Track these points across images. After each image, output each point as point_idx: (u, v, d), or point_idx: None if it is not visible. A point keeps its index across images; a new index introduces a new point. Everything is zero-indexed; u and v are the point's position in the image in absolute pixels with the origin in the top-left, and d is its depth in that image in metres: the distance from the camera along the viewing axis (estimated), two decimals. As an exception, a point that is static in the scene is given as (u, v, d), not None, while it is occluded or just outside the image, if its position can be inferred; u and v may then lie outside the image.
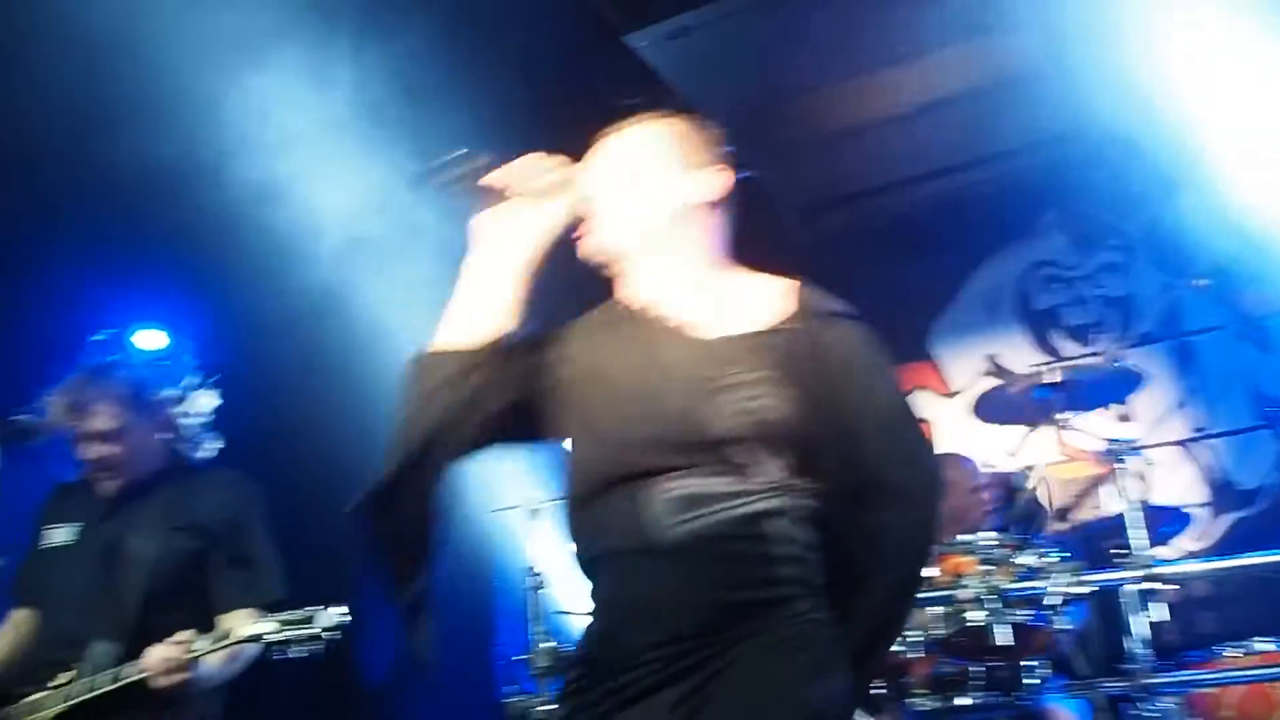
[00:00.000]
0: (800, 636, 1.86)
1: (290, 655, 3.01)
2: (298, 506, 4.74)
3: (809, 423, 1.93)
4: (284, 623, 3.00)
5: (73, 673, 3.10)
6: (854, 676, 1.90)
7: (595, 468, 1.96)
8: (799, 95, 5.22)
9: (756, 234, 6.28)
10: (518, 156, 2.07)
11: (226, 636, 2.99)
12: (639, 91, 5.46)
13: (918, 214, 5.90)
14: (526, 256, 2.05)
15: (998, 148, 5.56)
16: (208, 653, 3.00)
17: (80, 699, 3.03)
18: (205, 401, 3.49)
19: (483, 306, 2.02)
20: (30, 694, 3.12)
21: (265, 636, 2.99)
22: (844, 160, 5.65)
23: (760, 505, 1.89)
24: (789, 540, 1.90)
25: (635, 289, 2.09)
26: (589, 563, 1.99)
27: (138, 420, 3.30)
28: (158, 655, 2.96)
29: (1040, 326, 5.76)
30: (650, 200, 2.06)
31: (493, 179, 2.02)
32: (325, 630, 2.99)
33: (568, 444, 2.04)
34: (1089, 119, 5.33)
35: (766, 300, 2.05)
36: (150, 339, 6.30)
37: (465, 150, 2.01)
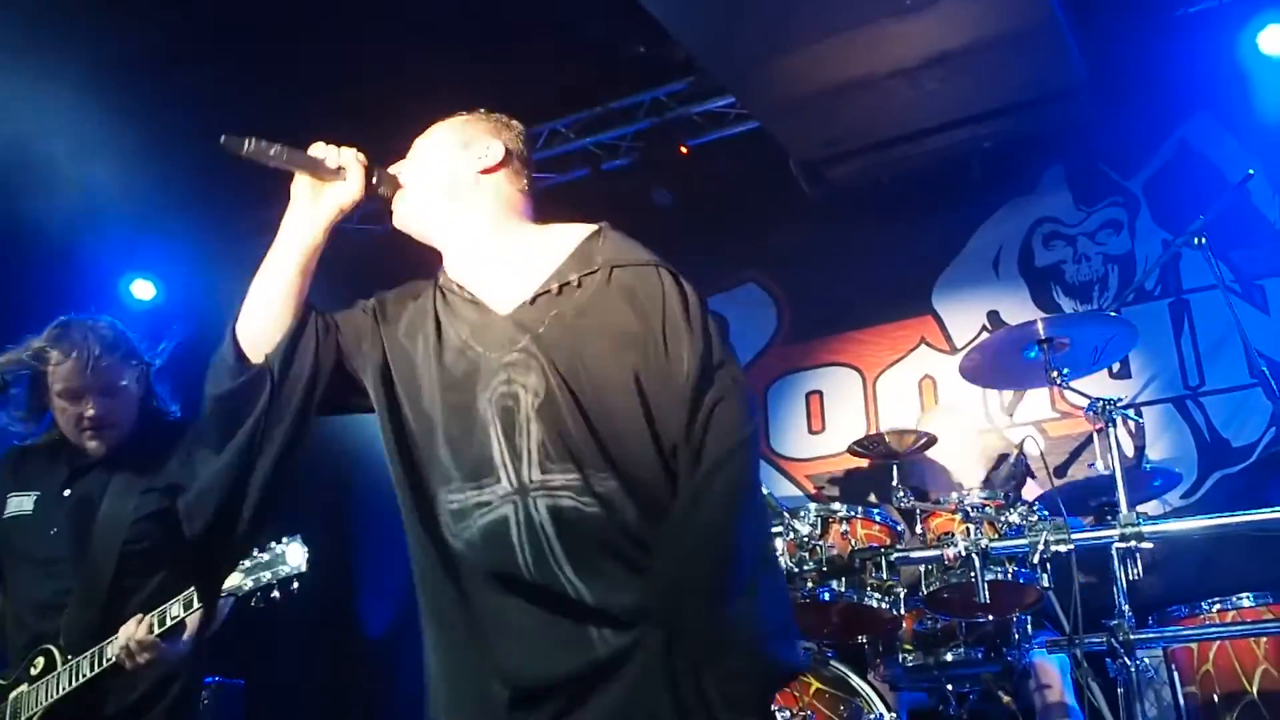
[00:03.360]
0: None
1: (270, 600, 3.01)
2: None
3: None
4: (248, 571, 2.99)
5: (44, 655, 3.10)
6: None
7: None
8: (806, 47, 5.18)
9: (767, 188, 6.31)
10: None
11: (195, 600, 2.96)
12: (640, 40, 5.51)
13: (923, 168, 5.88)
14: (321, 232, 2.25)
15: (1003, 102, 5.52)
16: (180, 620, 2.98)
17: (66, 692, 3.04)
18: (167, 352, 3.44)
19: (282, 279, 2.21)
20: (8, 684, 3.14)
21: (239, 588, 2.98)
22: (851, 114, 5.61)
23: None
24: None
25: (447, 264, 2.30)
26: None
27: (129, 376, 3.28)
28: (122, 642, 2.96)
29: (1042, 283, 5.77)
30: (433, 174, 2.32)
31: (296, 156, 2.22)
32: (293, 568, 2.99)
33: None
34: (1093, 74, 5.31)
35: (558, 255, 2.21)
36: (141, 289, 6.37)
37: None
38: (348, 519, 6.35)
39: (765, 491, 3.67)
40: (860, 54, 5.17)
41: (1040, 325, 3.91)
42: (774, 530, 3.65)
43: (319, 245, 2.23)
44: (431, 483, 2.10)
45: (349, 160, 2.24)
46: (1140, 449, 4.84)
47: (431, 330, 2.19)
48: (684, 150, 6.11)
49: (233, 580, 2.98)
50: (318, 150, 2.25)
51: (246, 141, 2.13)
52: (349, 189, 2.23)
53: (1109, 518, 3.70)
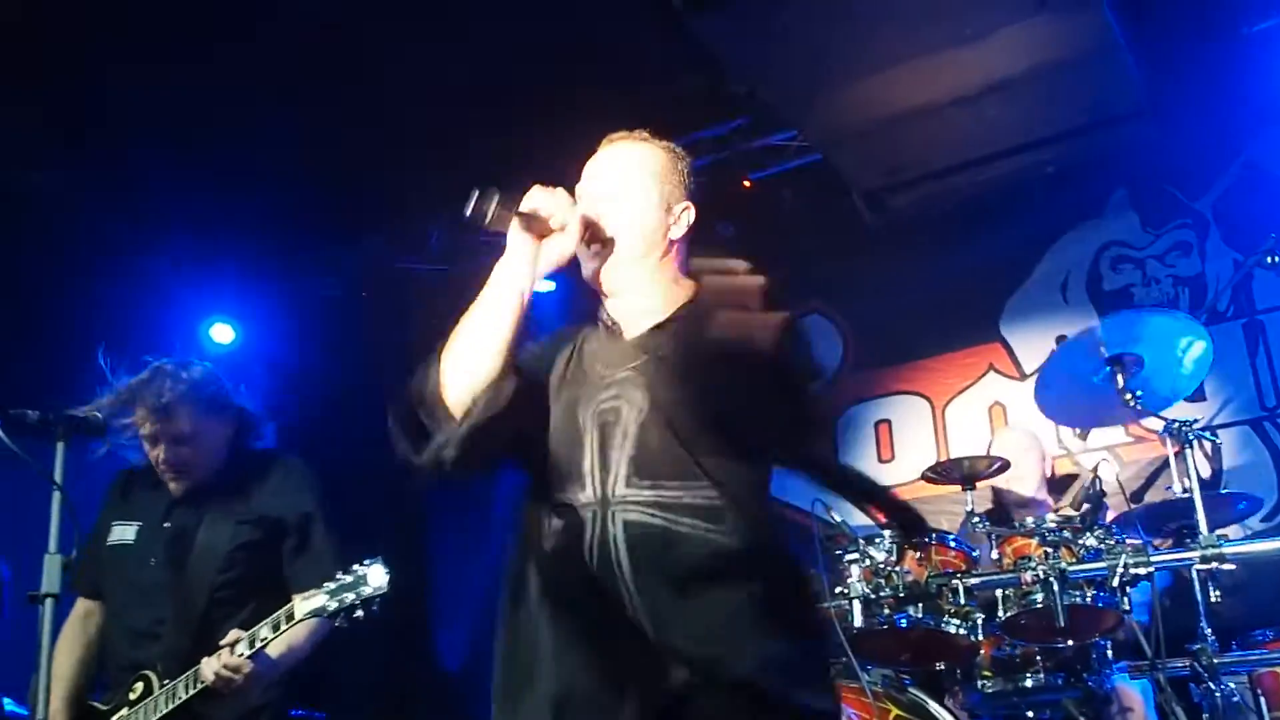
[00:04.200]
0: None
1: (354, 619, 3.08)
2: (365, 491, 4.86)
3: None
4: (332, 593, 3.07)
5: (143, 681, 3.20)
6: None
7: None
8: (864, 78, 5.23)
9: (829, 219, 6.33)
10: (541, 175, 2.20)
11: (284, 621, 3.07)
12: (701, 76, 5.57)
13: (987, 195, 5.89)
14: (533, 284, 2.16)
15: (1065, 126, 5.52)
16: (269, 641, 3.07)
17: (162, 714, 3.13)
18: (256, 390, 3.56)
19: (497, 332, 2.11)
20: (109, 708, 3.24)
21: (324, 609, 3.06)
22: (912, 142, 5.65)
23: None
24: None
25: (612, 309, 2.27)
26: None
27: (210, 423, 3.36)
28: (209, 669, 3.04)
29: (1112, 307, 5.73)
30: (633, 233, 2.23)
31: (525, 209, 2.13)
32: (375, 588, 3.05)
33: None
34: (1156, 95, 5.30)
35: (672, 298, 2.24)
36: (221, 333, 6.53)
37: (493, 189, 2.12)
38: (424, 551, 6.43)
39: (839, 519, 3.70)
40: (920, 83, 5.21)
41: (1100, 332, 3.88)
42: (850, 558, 3.66)
43: (531, 297, 2.15)
44: (541, 491, 2.14)
45: (568, 213, 2.15)
46: (1218, 472, 4.79)
47: (570, 350, 2.26)
48: (747, 184, 6.17)
49: (317, 601, 3.07)
50: (541, 201, 2.14)
51: (490, 209, 2.07)
52: (567, 243, 2.15)
53: (1188, 540, 3.67)
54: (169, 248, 6.06)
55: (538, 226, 2.12)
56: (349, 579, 3.08)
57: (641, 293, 2.24)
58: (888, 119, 5.42)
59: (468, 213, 2.07)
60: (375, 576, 3.07)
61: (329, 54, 4.99)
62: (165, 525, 3.38)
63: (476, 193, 2.09)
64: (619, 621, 1.99)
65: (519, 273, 2.12)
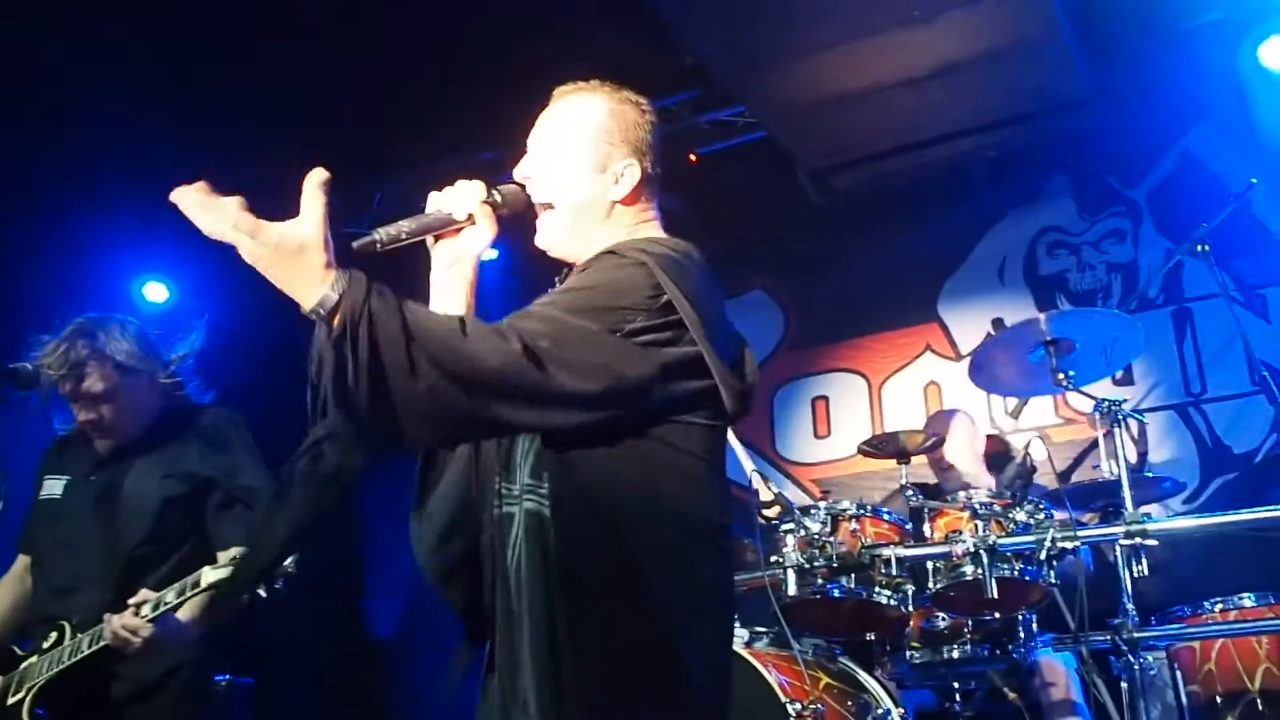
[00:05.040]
0: None
1: (255, 598, 3.04)
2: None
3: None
4: (235, 562, 3.03)
5: (57, 630, 3.18)
6: None
7: None
8: (813, 56, 5.26)
9: (774, 195, 6.37)
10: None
11: (189, 588, 3.01)
12: (649, 48, 5.58)
13: (930, 176, 5.96)
14: (471, 286, 2.07)
15: (1008, 112, 5.60)
16: (175, 606, 3.03)
17: (64, 666, 3.11)
18: (194, 340, 3.49)
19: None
20: (23, 655, 3.23)
21: (224, 582, 3.01)
22: (858, 122, 5.69)
23: None
24: None
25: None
26: None
27: (130, 381, 3.31)
28: (113, 626, 3.01)
29: (1046, 291, 5.85)
30: (564, 196, 2.12)
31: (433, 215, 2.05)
32: (285, 566, 3.01)
33: None
34: (1097, 85, 5.39)
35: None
36: (154, 291, 6.44)
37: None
38: (355, 518, 6.40)
39: (775, 490, 3.74)
40: (867, 64, 5.24)
41: (1044, 323, 3.97)
42: (786, 528, 3.71)
43: (472, 297, 2.07)
44: None
45: (474, 205, 2.05)
46: (1143, 455, 4.91)
47: None
48: (693, 158, 6.19)
49: (223, 572, 3.01)
50: (440, 203, 2.06)
51: (378, 238, 1.93)
52: (483, 233, 2.06)
53: (1113, 518, 3.77)
54: (102, 203, 5.94)
55: (443, 232, 2.06)
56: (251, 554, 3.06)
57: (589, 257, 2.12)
58: (835, 98, 5.45)
59: (357, 246, 1.92)
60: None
61: (283, 7, 4.90)
62: (90, 479, 3.36)
63: (367, 236, 1.93)
64: None
65: (449, 282, 2.06)
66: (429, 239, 2.07)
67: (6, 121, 5.29)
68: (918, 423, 5.50)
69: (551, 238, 2.14)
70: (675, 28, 5.16)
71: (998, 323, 5.80)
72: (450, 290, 2.06)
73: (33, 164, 5.57)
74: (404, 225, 1.97)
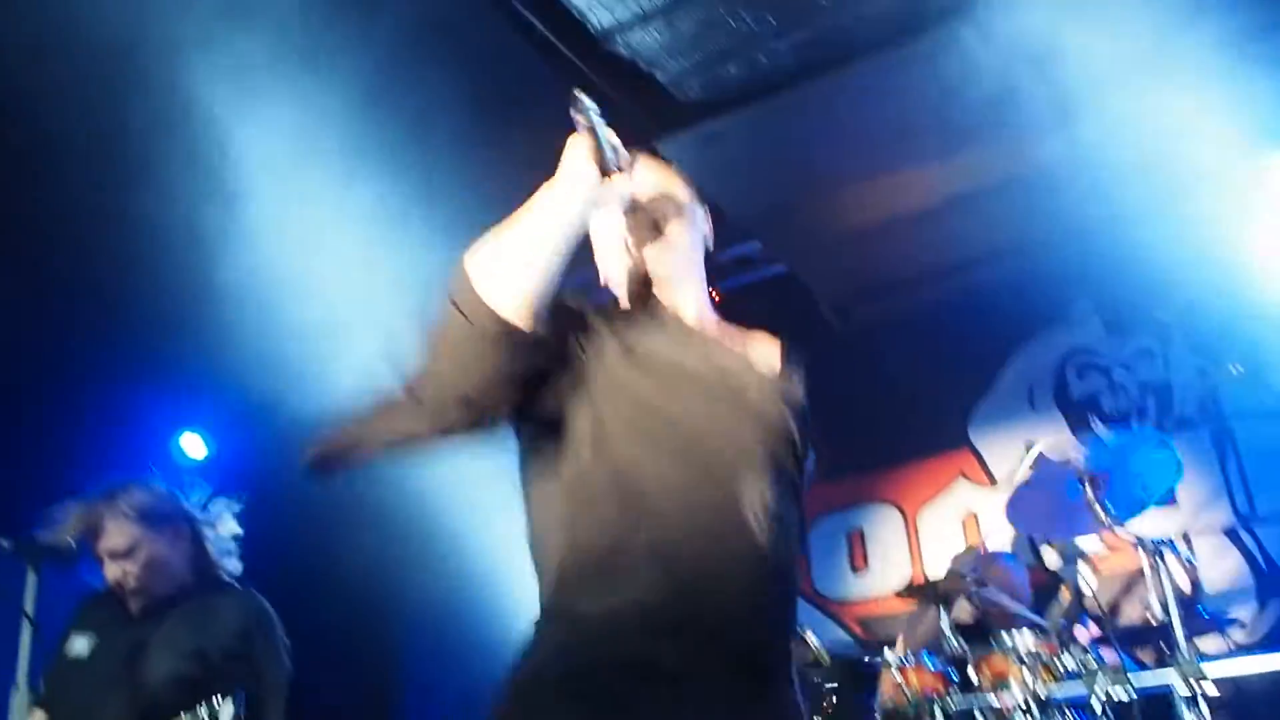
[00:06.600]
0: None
1: None
2: (329, 626, 4.75)
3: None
4: None
5: None
6: None
7: (649, 454, 1.90)
8: (830, 191, 5.30)
9: (796, 329, 6.36)
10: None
11: None
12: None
13: (952, 303, 5.94)
14: (582, 222, 1.95)
15: (1027, 237, 5.60)
16: None
17: None
18: (229, 518, 3.49)
19: (542, 254, 1.86)
20: None
21: None
22: (876, 253, 5.71)
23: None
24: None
25: (665, 301, 2.15)
26: (635, 547, 1.85)
27: (153, 535, 3.30)
28: None
29: (1079, 414, 5.75)
30: (691, 231, 2.19)
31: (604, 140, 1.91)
32: None
33: (581, 421, 1.93)
34: (1118, 207, 5.38)
35: (765, 345, 2.22)
36: (192, 445, 6.44)
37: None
38: (391, 652, 6.27)
39: (816, 644, 3.63)
40: (883, 199, 5.28)
41: (1079, 458, 3.89)
42: (829, 685, 3.59)
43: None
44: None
45: (632, 162, 1.98)
46: (1195, 583, 4.76)
47: (598, 320, 2.13)
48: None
49: None
50: (613, 139, 1.93)
51: (590, 108, 1.85)
52: (623, 189, 2.00)
53: (1168, 655, 3.62)
54: (138, 358, 5.98)
55: (604, 161, 1.91)
56: (204, 714, 2.98)
57: (693, 284, 2.17)
58: (852, 233, 5.48)
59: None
60: (225, 714, 2.97)
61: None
62: (118, 641, 3.31)
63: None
64: None
65: (579, 197, 1.90)
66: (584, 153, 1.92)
67: (34, 276, 5.35)
68: (956, 551, 5.37)
69: (663, 252, 2.15)
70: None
71: (1030, 446, 5.70)
72: (573, 214, 1.91)
73: (61, 322, 5.63)
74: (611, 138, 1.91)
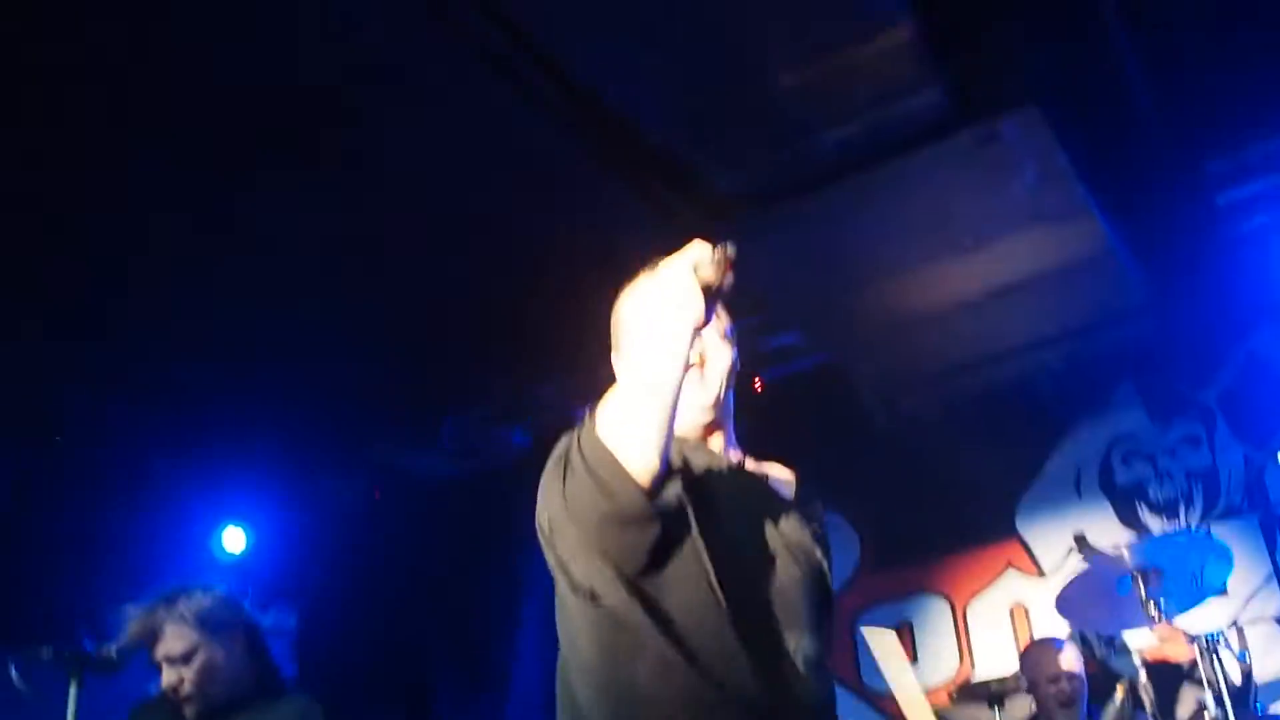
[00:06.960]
0: None
1: None
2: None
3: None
4: None
5: None
6: None
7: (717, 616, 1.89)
8: (872, 281, 5.35)
9: (840, 419, 6.33)
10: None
11: None
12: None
13: (995, 393, 5.95)
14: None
15: (1068, 325, 5.62)
16: None
17: None
18: (282, 617, 3.54)
19: (670, 401, 1.82)
20: None
21: None
22: (919, 343, 5.73)
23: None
24: None
25: (715, 441, 2.17)
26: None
27: (211, 641, 3.29)
28: None
29: (1126, 501, 5.74)
30: (724, 369, 2.19)
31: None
32: None
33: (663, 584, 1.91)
34: (1155, 293, 5.41)
35: (783, 476, 2.26)
36: (233, 539, 6.51)
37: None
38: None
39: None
40: (923, 291, 5.32)
41: (1129, 555, 3.89)
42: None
43: None
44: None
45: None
46: (1248, 675, 4.69)
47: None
48: (758, 385, 6.24)
49: None
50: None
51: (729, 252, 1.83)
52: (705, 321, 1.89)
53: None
54: (177, 455, 6.07)
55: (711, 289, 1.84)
56: None
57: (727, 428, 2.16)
58: (896, 323, 5.52)
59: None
60: None
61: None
62: None
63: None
64: None
65: (688, 335, 1.84)
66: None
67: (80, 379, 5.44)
68: (1005, 647, 5.33)
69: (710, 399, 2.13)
70: (735, 261, 5.28)
71: (1080, 538, 5.67)
72: (685, 354, 1.86)
73: (101, 424, 5.73)
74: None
